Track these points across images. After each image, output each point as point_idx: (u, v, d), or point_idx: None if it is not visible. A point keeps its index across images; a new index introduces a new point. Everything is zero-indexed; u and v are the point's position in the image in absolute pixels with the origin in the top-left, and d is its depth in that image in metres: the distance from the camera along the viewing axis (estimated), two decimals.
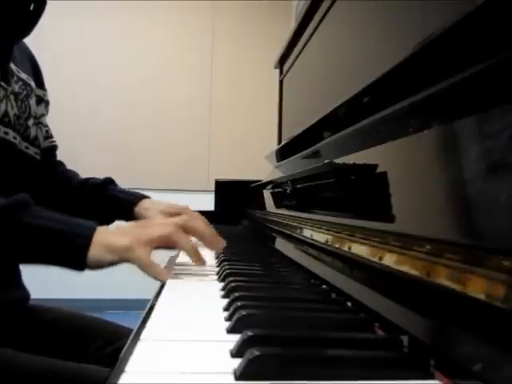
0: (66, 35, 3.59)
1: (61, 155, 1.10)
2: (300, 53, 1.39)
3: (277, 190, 1.14)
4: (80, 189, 1.03)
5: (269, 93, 2.70)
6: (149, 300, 0.55)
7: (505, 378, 0.26)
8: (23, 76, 0.91)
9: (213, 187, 1.86)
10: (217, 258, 0.89)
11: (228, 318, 0.47)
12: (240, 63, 3.85)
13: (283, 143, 1.36)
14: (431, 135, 0.42)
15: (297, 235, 0.83)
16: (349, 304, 0.52)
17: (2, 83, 0.82)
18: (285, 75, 1.68)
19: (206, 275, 0.73)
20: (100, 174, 1.08)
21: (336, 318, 0.46)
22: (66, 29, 3.57)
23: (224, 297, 0.57)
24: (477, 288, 0.30)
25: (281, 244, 0.98)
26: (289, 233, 0.91)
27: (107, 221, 0.98)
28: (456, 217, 0.36)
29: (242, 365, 0.32)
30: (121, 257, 0.65)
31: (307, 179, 0.82)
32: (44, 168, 0.99)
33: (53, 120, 1.06)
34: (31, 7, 0.88)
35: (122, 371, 0.33)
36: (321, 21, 1.11)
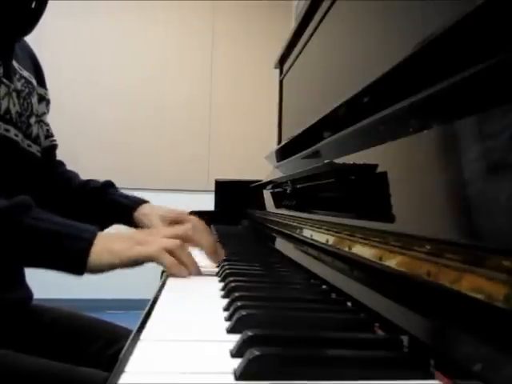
0: (66, 35, 3.59)
1: (61, 155, 1.10)
2: (300, 53, 1.39)
3: (277, 190, 1.14)
4: (80, 191, 1.03)
5: (269, 93, 2.70)
6: (149, 300, 0.55)
7: (505, 378, 0.26)
8: (25, 74, 0.91)
9: (213, 187, 1.86)
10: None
11: (228, 318, 0.47)
12: (240, 63, 3.85)
13: (283, 143, 1.36)
14: (431, 135, 0.42)
15: (297, 235, 0.83)
16: (349, 304, 0.52)
17: (5, 80, 0.82)
18: (285, 75, 1.68)
19: (206, 275, 0.73)
20: (100, 174, 1.08)
21: (336, 317, 0.46)
22: (66, 29, 3.57)
23: (224, 297, 0.57)
24: (477, 288, 0.30)
25: (281, 244, 0.98)
26: (289, 233, 0.91)
27: (106, 224, 0.98)
28: (456, 217, 0.36)
29: (242, 365, 0.32)
30: (122, 259, 0.65)
31: (307, 179, 0.82)
32: (44, 167, 0.99)
33: (53, 119, 1.06)
34: (33, 5, 0.88)
35: (121, 371, 0.33)
36: (321, 21, 1.11)
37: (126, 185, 1.08)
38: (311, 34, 1.22)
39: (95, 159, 3.52)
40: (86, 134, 3.58)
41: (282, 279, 0.70)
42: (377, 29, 0.75)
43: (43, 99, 0.99)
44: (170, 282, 0.66)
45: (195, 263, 0.72)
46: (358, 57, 0.84)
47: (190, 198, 2.83)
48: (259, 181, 1.55)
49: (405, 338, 0.38)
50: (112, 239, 0.67)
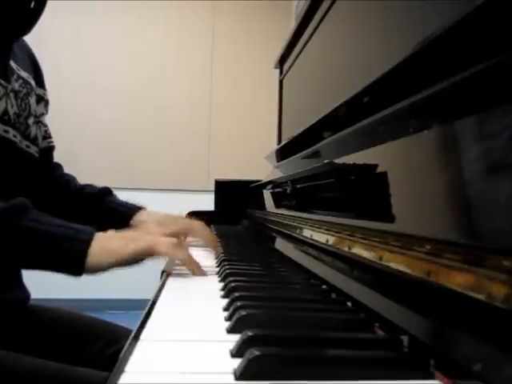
0: (65, 35, 3.59)
1: (60, 155, 1.09)
2: (300, 53, 1.39)
3: (277, 190, 1.14)
4: (77, 196, 1.03)
5: (269, 93, 2.70)
6: (149, 300, 0.55)
7: (505, 378, 0.26)
8: (23, 74, 0.91)
9: (213, 187, 1.86)
10: (217, 258, 0.89)
11: (228, 318, 0.47)
12: (240, 63, 3.85)
13: (283, 143, 1.36)
14: (431, 135, 0.42)
15: (297, 235, 0.83)
16: (349, 304, 0.52)
17: (2, 81, 0.82)
18: (285, 75, 1.68)
19: (206, 275, 0.73)
20: (100, 174, 1.08)
21: (336, 317, 0.46)
22: (65, 29, 3.56)
23: (224, 297, 0.57)
24: (477, 288, 0.30)
25: (281, 244, 0.98)
26: (289, 233, 0.91)
27: (102, 230, 0.98)
28: (456, 217, 0.36)
29: (242, 365, 0.32)
30: (120, 258, 0.65)
31: (307, 179, 0.82)
32: (42, 169, 0.98)
33: (52, 120, 1.06)
34: (32, 5, 0.88)
35: (121, 371, 0.33)
36: (321, 21, 1.11)
37: (125, 185, 1.08)
38: (311, 34, 1.22)
39: (95, 159, 3.52)
40: (86, 134, 3.58)
41: (282, 279, 0.70)
42: (377, 29, 0.75)
43: (42, 100, 0.99)
44: (170, 282, 0.66)
45: (195, 262, 0.73)
46: (358, 57, 0.84)
47: (190, 198, 2.82)
48: (259, 181, 1.55)
49: (405, 338, 0.38)
50: (109, 239, 0.67)
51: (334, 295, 0.57)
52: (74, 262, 0.64)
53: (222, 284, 0.64)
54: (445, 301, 0.34)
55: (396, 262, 0.42)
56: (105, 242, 0.66)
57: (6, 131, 0.82)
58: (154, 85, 3.72)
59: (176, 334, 0.43)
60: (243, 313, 0.43)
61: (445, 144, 0.40)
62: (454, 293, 0.32)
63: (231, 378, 0.32)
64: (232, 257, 0.85)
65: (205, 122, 3.83)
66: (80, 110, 3.58)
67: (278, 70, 1.79)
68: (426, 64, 0.49)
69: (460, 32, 0.41)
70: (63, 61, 3.53)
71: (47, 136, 1.03)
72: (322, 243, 0.66)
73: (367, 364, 0.34)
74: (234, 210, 1.79)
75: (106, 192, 1.04)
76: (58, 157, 1.09)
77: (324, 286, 0.62)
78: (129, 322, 0.73)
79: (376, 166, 0.52)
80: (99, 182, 1.07)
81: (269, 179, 1.32)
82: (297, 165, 1.07)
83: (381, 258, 0.45)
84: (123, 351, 0.37)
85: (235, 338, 0.39)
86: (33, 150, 0.92)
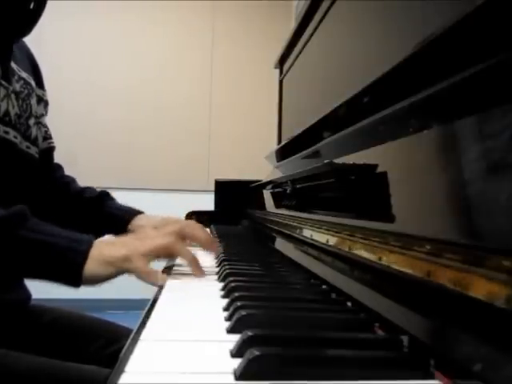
0: (65, 35, 3.59)
1: (60, 155, 1.09)
2: (300, 53, 1.39)
3: (277, 190, 1.14)
4: (77, 199, 1.03)
5: (269, 93, 2.70)
6: (149, 300, 0.55)
7: (505, 378, 0.26)
8: (24, 75, 0.91)
9: (213, 187, 1.86)
10: (217, 258, 0.89)
11: (228, 318, 0.47)
12: (240, 63, 3.85)
13: (283, 143, 1.36)
14: (431, 135, 0.42)
15: (297, 235, 0.83)
16: (349, 304, 0.52)
17: (3, 82, 0.82)
18: (285, 75, 1.68)
19: (206, 275, 0.73)
20: (100, 174, 1.08)
21: (336, 317, 0.46)
22: (65, 29, 3.56)
23: (224, 297, 0.57)
24: (477, 288, 0.30)
25: (281, 244, 0.98)
26: (289, 233, 0.91)
27: (100, 235, 0.98)
28: (456, 217, 0.36)
29: (242, 365, 0.32)
30: (118, 269, 0.65)
31: (307, 179, 0.82)
32: (42, 169, 0.98)
33: (52, 120, 1.06)
34: (31, 6, 0.88)
35: (122, 371, 0.33)
36: (321, 21, 1.11)
37: (125, 185, 1.08)
38: (311, 34, 1.22)
39: (95, 159, 3.52)
40: (86, 135, 3.58)
41: (282, 279, 0.70)
42: (377, 29, 0.75)
43: (41, 100, 0.99)
44: (170, 281, 0.66)
45: (196, 258, 0.72)
46: (358, 57, 0.84)
47: (190, 198, 2.82)
48: (259, 181, 1.55)
49: (405, 338, 0.38)
50: (107, 248, 0.66)
51: (334, 295, 0.57)
52: (72, 274, 0.64)
53: (222, 284, 0.64)
54: (445, 301, 0.34)
55: (396, 262, 0.42)
56: (103, 252, 0.65)
57: (7, 132, 0.82)
58: (153, 85, 3.72)
59: (176, 333, 0.43)
60: (243, 313, 0.43)
61: (445, 144, 0.40)
62: (454, 293, 0.32)
63: (231, 378, 0.32)
64: (232, 257, 0.85)
65: (205, 122, 3.83)
66: (80, 110, 3.58)
67: (277, 70, 1.79)
68: (426, 64, 0.49)
69: (460, 32, 0.41)
70: (63, 61, 3.53)
71: (47, 137, 1.03)
72: (322, 243, 0.66)
73: (367, 364, 0.34)
74: (234, 210, 1.79)
75: (106, 196, 1.04)
76: (58, 157, 1.09)
77: (324, 286, 0.62)
78: (129, 321, 0.73)
79: (376, 165, 0.52)
80: (99, 182, 1.07)
81: (269, 179, 1.32)
82: (297, 165, 1.07)
83: (381, 258, 0.45)
84: (123, 351, 0.37)
85: (235, 338, 0.39)
86: (33, 150, 0.92)
